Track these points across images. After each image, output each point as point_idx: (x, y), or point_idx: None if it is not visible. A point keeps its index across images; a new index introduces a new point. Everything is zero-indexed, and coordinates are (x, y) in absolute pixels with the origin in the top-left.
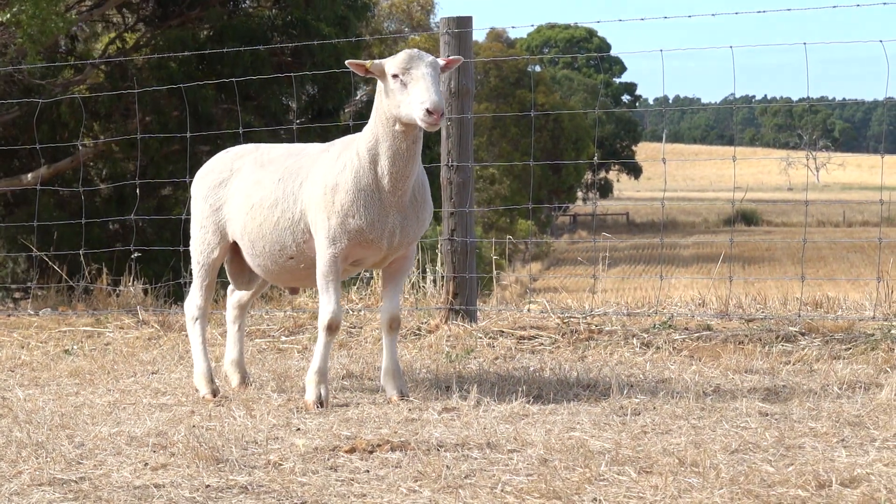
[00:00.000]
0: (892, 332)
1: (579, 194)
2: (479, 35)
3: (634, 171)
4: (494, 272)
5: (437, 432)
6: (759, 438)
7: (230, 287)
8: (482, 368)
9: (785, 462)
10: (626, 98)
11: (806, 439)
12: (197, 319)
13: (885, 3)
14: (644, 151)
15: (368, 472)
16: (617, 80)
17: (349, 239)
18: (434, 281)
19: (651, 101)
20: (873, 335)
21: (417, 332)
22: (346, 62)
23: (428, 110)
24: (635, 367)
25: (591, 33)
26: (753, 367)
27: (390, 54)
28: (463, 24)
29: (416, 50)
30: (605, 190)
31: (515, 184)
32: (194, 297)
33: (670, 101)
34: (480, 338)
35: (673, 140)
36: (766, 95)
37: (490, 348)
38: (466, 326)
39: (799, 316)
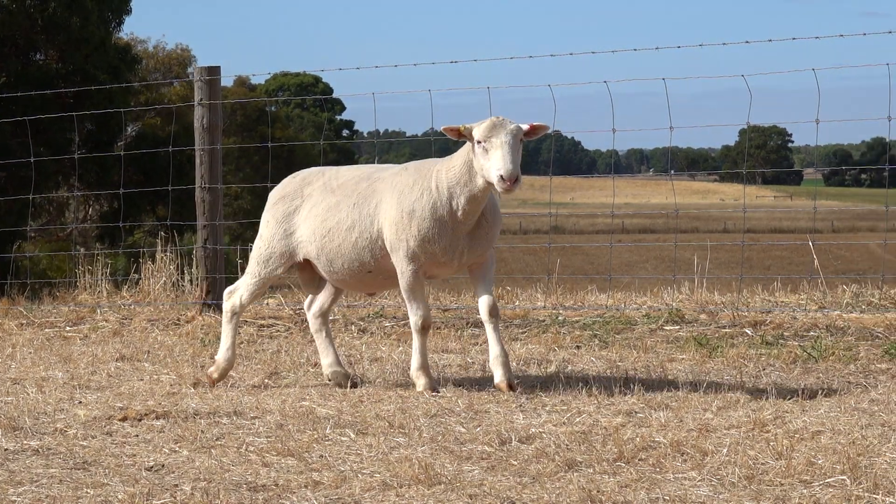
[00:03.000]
0: (559, 318)
1: None
2: (227, 81)
3: None
4: (240, 274)
5: (194, 403)
6: (453, 405)
7: (308, 300)
8: None
9: (474, 424)
10: (345, 132)
11: (491, 405)
12: (236, 315)
13: (552, 55)
14: None
15: (138, 436)
16: (338, 118)
17: (426, 259)
18: (191, 280)
19: (365, 135)
20: (544, 321)
21: (178, 322)
22: (441, 128)
23: (502, 177)
24: (354, 349)
25: (317, 79)
26: (449, 348)
27: (156, 97)
28: (213, 72)
29: (500, 118)
30: None
31: (256, 201)
32: (240, 294)
33: (381, 135)
34: None
35: None
36: None
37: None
38: (217, 317)
39: None
